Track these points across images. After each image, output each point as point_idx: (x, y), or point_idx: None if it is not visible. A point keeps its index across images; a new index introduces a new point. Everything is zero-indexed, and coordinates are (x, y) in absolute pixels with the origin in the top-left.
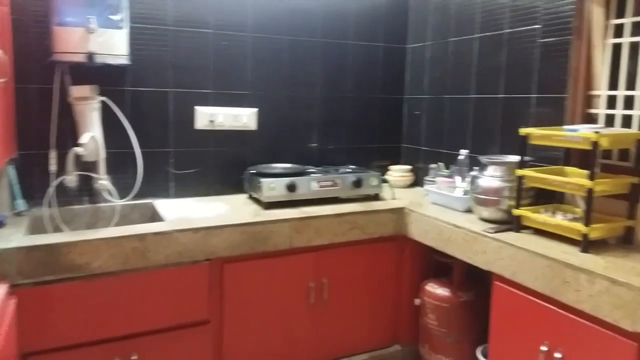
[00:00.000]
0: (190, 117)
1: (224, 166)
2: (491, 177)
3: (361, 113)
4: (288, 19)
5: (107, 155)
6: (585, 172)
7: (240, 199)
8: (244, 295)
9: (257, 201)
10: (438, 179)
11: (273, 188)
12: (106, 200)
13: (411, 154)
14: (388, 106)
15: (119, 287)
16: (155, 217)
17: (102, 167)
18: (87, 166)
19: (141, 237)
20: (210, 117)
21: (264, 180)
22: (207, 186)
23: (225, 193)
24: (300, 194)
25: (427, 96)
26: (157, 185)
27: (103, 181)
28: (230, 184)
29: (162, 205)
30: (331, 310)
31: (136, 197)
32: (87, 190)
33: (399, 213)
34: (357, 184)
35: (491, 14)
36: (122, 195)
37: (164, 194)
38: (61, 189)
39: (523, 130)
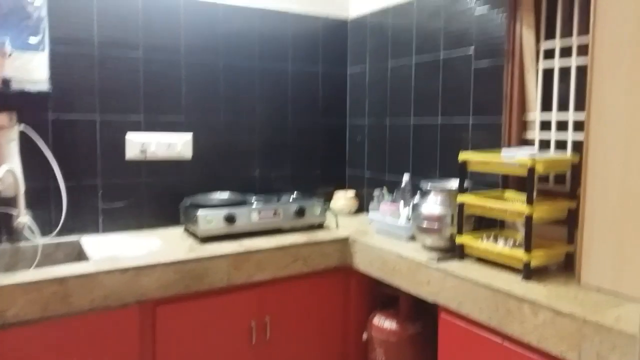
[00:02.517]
0: (120, 146)
1: (158, 198)
2: (433, 204)
3: (304, 138)
4: (223, 42)
5: (27, 190)
6: (524, 196)
7: (176, 232)
8: (180, 339)
9: (193, 235)
10: (381, 205)
11: (210, 221)
12: (27, 239)
13: (356, 179)
14: (331, 131)
15: (39, 337)
16: (81, 255)
17: (21, 202)
18: (4, 202)
19: (62, 280)
20: (142, 145)
21: (200, 212)
22: (140, 220)
23: (160, 226)
24: (240, 225)
25: (369, 120)
26: (84, 221)
27: (23, 218)
28: (166, 216)
29: (90, 242)
30: (275, 351)
31: (61, 234)
32: (5, 229)
33: (343, 243)
34: (300, 213)
35: (426, 38)
36: (45, 233)
37: (92, 229)
38: None
39: (462, 156)
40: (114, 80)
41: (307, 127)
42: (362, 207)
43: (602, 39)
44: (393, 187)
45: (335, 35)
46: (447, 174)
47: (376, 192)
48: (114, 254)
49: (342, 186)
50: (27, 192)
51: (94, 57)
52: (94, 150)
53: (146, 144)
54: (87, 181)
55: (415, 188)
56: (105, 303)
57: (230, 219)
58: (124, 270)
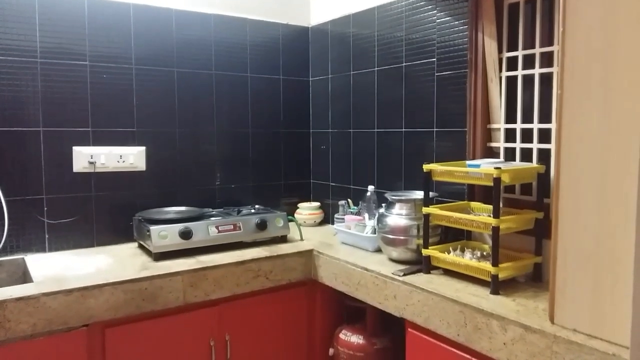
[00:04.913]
0: (66, 159)
1: (110, 212)
2: (398, 215)
3: (266, 149)
4: (178, 49)
5: None
6: (490, 206)
7: (129, 249)
8: None
9: (147, 251)
10: (346, 216)
11: (164, 236)
12: None
13: (320, 190)
14: (294, 141)
15: None
16: (26, 276)
17: None
18: None
19: None
20: (91, 157)
21: (153, 227)
22: (90, 236)
23: (112, 243)
24: (197, 241)
25: (332, 130)
26: (29, 238)
27: None
28: (118, 232)
29: (35, 261)
30: None
31: (3, 253)
32: None
33: (307, 256)
34: (262, 226)
35: (389, 48)
36: None
37: (38, 247)
38: None
39: (426, 167)
40: (59, 90)
41: (269, 137)
42: (327, 218)
43: (572, 48)
44: (358, 197)
45: (296, 43)
46: (412, 185)
47: (341, 203)
48: (59, 274)
49: (307, 197)
50: None
51: (37, 67)
52: (38, 163)
53: (95, 156)
54: (31, 196)
55: (380, 199)
56: (49, 327)
57: (186, 234)
58: (69, 292)
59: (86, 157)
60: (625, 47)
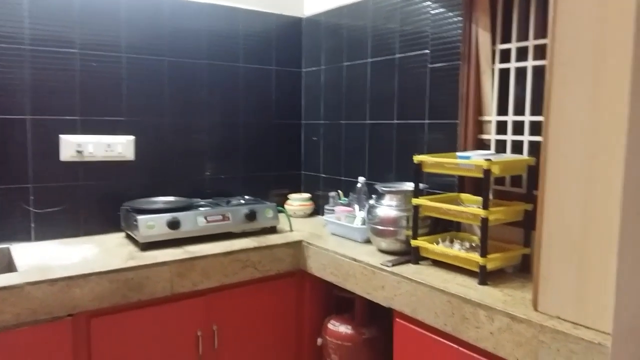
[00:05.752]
0: (53, 148)
1: (98, 202)
2: (388, 207)
3: (257, 139)
4: (168, 38)
5: None
6: (480, 198)
7: (116, 239)
8: (118, 353)
9: (134, 241)
10: (337, 207)
11: (152, 226)
12: None
13: (311, 181)
14: (285, 132)
15: None
16: (11, 265)
17: None
18: None
19: None
20: (78, 146)
21: (140, 217)
22: (77, 226)
23: (99, 232)
24: (185, 231)
25: (324, 121)
26: (13, 228)
27: None
28: (106, 222)
29: (20, 251)
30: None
31: None
32: None
33: (296, 247)
34: (251, 216)
35: (382, 39)
36: None
37: (24, 237)
38: None
39: (417, 158)
40: (47, 78)
41: (260, 127)
42: (317, 209)
43: (562, 39)
44: (349, 189)
45: (289, 34)
46: (403, 177)
47: (332, 194)
48: (44, 263)
49: (297, 188)
50: None
51: (25, 54)
52: (24, 151)
53: (83, 144)
54: (17, 184)
55: (371, 190)
56: (33, 317)
57: (174, 224)
58: (53, 281)
59: (74, 146)
60: (616, 36)
